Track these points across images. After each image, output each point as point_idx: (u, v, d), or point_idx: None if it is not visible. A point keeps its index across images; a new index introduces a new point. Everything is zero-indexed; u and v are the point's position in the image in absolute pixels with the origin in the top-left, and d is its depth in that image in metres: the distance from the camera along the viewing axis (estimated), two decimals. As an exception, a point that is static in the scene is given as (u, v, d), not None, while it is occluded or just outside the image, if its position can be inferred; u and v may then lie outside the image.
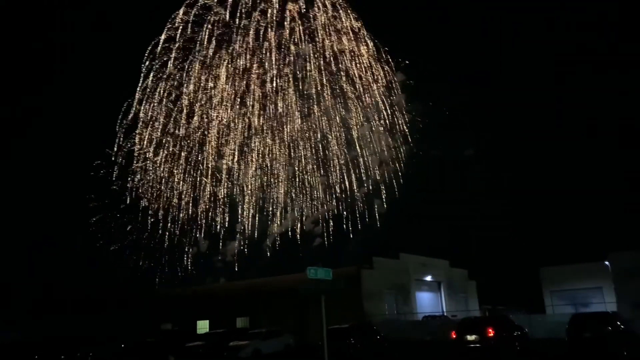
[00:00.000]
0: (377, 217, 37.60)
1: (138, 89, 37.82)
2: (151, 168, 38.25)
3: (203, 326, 39.64)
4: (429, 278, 43.13)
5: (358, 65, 36.85)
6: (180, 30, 36.53)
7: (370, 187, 37.90)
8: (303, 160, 37.86)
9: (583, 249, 53.45)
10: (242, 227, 39.92)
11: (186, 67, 37.13)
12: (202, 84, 37.48)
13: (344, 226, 37.66)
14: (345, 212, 37.70)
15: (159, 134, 38.03)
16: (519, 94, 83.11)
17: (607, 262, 40.74)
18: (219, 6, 37.19)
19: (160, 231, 40.07)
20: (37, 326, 41.72)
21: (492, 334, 20.79)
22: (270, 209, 38.96)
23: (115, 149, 38.43)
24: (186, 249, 40.60)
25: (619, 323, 20.36)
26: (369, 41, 36.98)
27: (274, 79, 36.20)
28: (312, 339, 29.62)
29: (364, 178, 37.74)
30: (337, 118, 37.53)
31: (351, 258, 38.82)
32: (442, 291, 45.18)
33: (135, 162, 38.54)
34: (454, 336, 21.58)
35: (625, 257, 36.82)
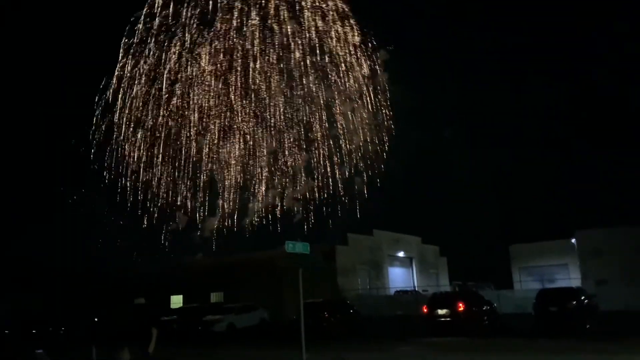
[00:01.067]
0: (357, 195, 37.74)
1: (117, 66, 36.64)
2: (129, 148, 37.48)
3: (177, 301, 39.64)
4: (401, 254, 43.90)
5: (342, 47, 36.52)
6: (160, 7, 35.33)
7: (351, 167, 37.93)
8: (285, 140, 37.57)
9: (552, 226, 55.15)
10: (222, 204, 39.69)
11: (166, 45, 36.09)
12: (182, 64, 36.59)
13: (324, 206, 37.74)
14: (324, 192, 37.71)
15: (137, 113, 37.14)
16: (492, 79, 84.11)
17: (573, 240, 42.10)
18: None
19: (139, 211, 39.50)
20: (13, 302, 41.14)
21: (462, 309, 21.36)
22: (251, 187, 38.73)
23: (93, 127, 37.42)
24: (164, 227, 40.14)
25: (583, 298, 21.18)
26: (354, 24, 36.56)
27: (257, 58, 35.53)
28: (287, 314, 29.96)
29: (346, 158, 37.74)
30: (320, 98, 37.22)
31: (329, 236, 39.14)
32: (414, 267, 46.08)
33: (113, 142, 37.63)
34: (425, 310, 22.12)
35: (591, 235, 38.07)
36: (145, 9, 35.42)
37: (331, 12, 36.30)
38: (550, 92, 74.38)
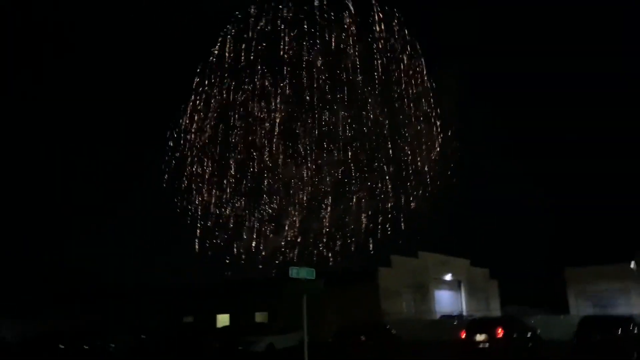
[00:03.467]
0: (404, 216, 37.42)
1: (190, 103, 38.33)
2: (198, 183, 38.88)
3: (223, 320, 40.43)
4: (448, 277, 42.94)
5: (409, 78, 36.64)
6: (229, 47, 36.71)
7: (411, 189, 37.58)
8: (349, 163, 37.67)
9: (611, 249, 52.39)
10: (287, 226, 40.20)
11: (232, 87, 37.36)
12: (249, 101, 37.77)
13: (379, 228, 37.60)
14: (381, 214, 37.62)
15: (206, 144, 38.54)
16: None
17: (632, 264, 39.87)
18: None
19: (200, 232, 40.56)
20: (64, 315, 43.33)
21: (501, 335, 20.76)
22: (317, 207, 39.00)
23: (167, 157, 39.22)
24: (234, 245, 41.01)
25: (632, 327, 20.06)
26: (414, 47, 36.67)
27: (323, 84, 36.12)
28: (326, 336, 30.01)
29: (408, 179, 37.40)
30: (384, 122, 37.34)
31: (370, 257, 38.91)
32: (462, 290, 44.91)
33: (185, 174, 39.12)
34: (463, 336, 21.63)
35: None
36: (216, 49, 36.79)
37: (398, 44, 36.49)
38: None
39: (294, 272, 11.73)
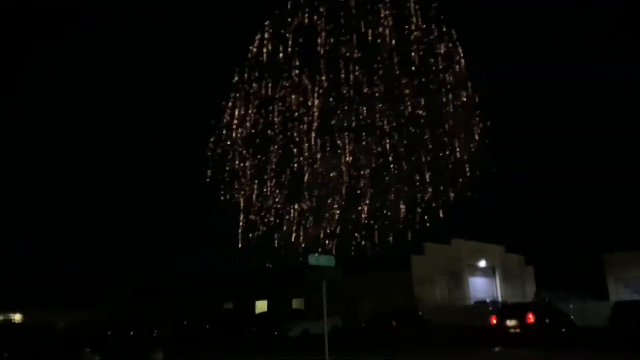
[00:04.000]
0: (440, 207, 37.85)
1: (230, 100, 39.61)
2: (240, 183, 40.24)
3: (261, 306, 41.64)
4: (482, 264, 42.87)
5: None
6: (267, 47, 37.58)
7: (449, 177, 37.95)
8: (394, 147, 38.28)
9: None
10: (326, 217, 41.17)
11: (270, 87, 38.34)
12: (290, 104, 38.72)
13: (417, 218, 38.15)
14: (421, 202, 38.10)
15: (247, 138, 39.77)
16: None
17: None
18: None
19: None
20: (112, 306, 45.47)
21: (532, 320, 20.93)
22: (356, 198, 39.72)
23: (209, 152, 40.74)
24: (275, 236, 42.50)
25: (665, 312, 19.93)
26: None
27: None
28: (361, 322, 30.69)
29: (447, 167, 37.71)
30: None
31: (404, 244, 39.42)
32: (497, 277, 44.78)
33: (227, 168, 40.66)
34: (494, 321, 21.90)
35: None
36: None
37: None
38: None
39: (314, 259, 12.32)
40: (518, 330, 20.98)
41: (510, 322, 21.25)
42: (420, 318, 25.65)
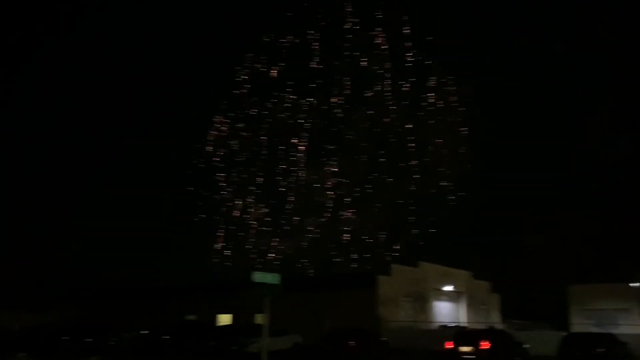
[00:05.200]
0: (406, 225, 38.43)
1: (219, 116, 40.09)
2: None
3: (225, 320, 41.13)
4: (449, 288, 43.18)
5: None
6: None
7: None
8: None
9: (613, 268, 52.06)
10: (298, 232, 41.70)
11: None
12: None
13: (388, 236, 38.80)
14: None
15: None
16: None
17: (637, 284, 39.69)
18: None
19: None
20: (69, 310, 44.58)
21: (486, 347, 21.13)
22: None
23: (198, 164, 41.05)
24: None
25: (614, 344, 20.30)
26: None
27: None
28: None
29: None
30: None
31: (370, 264, 39.72)
32: (463, 302, 45.09)
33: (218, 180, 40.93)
34: (449, 346, 22.04)
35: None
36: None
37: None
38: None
39: (259, 276, 12.36)
40: (473, 357, 21.13)
41: (465, 348, 21.42)
42: (376, 338, 25.67)
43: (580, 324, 42.54)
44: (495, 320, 47.04)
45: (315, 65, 36.71)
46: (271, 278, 12.47)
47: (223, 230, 40.75)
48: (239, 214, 39.93)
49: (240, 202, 40.15)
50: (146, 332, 32.14)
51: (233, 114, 39.30)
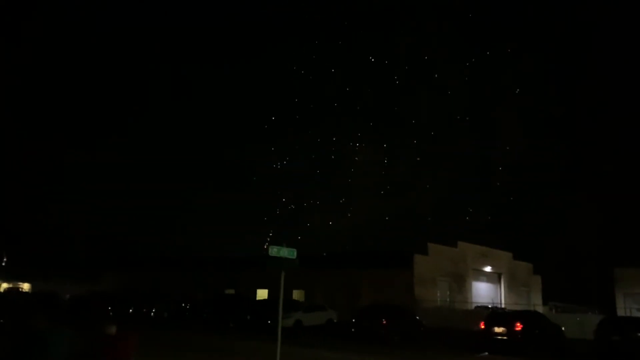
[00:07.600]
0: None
1: None
2: None
3: (263, 295, 42.02)
4: (488, 269, 42.54)
5: None
6: None
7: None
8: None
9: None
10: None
11: None
12: None
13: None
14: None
15: None
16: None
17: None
18: None
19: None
20: (117, 281, 46.54)
21: (519, 328, 20.86)
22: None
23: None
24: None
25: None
26: None
27: None
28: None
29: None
30: None
31: (407, 243, 39.57)
32: (502, 283, 44.36)
33: None
34: (482, 327, 21.86)
35: None
36: None
37: None
38: None
39: (274, 250, 12.60)
40: (505, 337, 20.92)
41: (498, 329, 21.20)
42: (411, 316, 25.67)
43: (626, 308, 41.31)
44: (536, 302, 46.12)
45: None
46: (288, 252, 12.70)
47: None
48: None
49: None
50: (186, 304, 33.32)
51: None
